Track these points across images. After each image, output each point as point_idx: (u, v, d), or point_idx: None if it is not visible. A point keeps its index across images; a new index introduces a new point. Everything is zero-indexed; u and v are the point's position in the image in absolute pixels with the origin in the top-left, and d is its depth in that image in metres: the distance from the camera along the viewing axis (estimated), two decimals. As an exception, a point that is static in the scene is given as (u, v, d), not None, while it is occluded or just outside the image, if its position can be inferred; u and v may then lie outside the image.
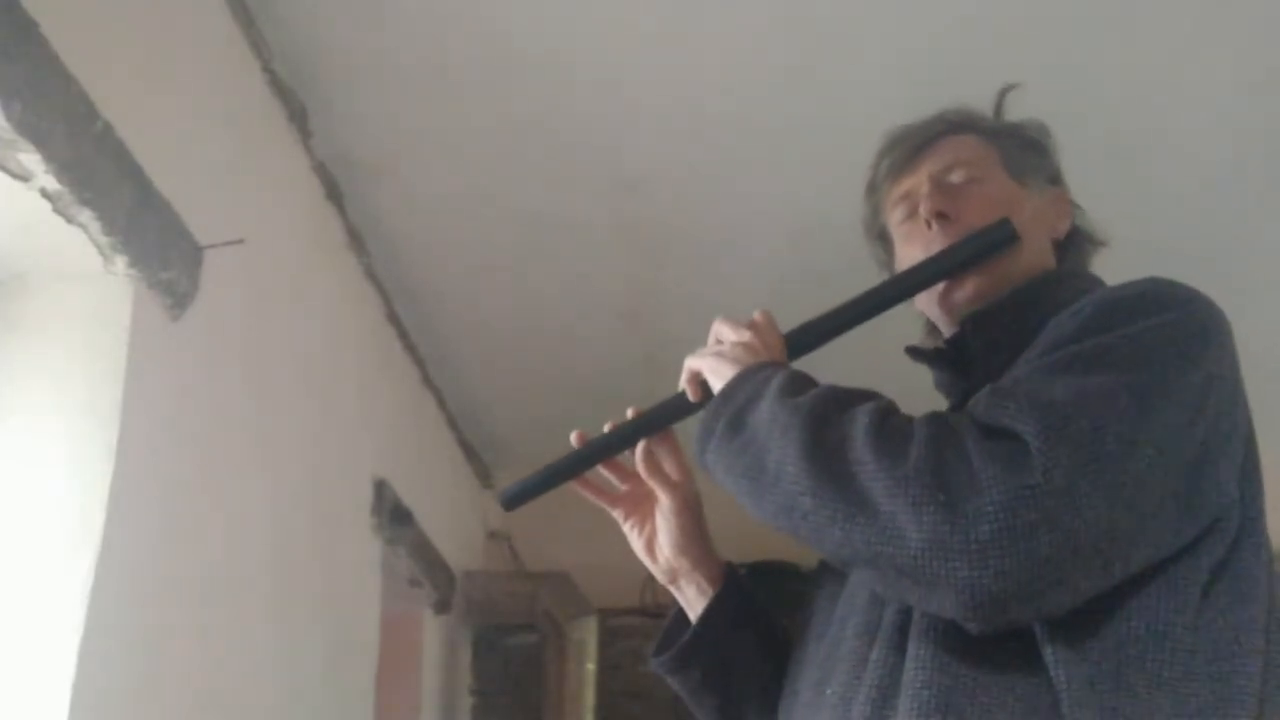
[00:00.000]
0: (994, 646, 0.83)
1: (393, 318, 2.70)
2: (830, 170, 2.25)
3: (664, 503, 1.11)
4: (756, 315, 1.06)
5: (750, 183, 2.33)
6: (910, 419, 0.87)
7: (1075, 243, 1.15)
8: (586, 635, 3.43)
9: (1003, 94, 1.19)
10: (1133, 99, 2.09)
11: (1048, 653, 0.81)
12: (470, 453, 3.50)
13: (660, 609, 3.37)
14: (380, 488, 2.50)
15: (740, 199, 2.39)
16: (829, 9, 1.90)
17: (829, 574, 1.05)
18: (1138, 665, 0.80)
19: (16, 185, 1.29)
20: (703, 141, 2.21)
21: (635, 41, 1.97)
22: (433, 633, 3.03)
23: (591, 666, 3.39)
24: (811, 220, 2.41)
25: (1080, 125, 2.10)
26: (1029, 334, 0.95)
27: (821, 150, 2.21)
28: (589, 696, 3.35)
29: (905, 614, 0.88)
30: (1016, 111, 1.20)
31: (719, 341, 1.05)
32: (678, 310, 2.76)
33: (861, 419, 0.86)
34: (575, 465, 1.10)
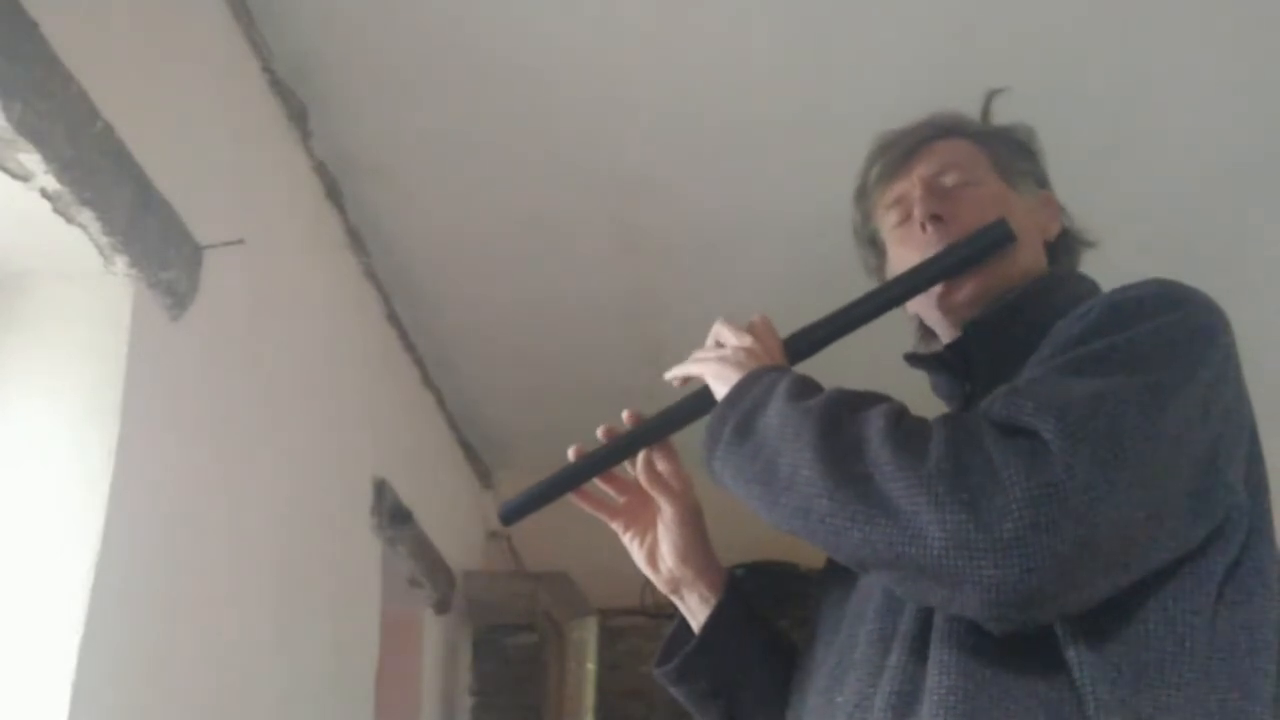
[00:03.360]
0: (1017, 651, 0.82)
1: (393, 318, 2.70)
2: (831, 169, 2.24)
3: (666, 512, 1.11)
4: (755, 319, 1.06)
5: (751, 183, 2.33)
6: (924, 420, 0.87)
7: (1065, 244, 1.16)
8: (586, 635, 3.43)
9: (989, 98, 1.20)
10: (1131, 97, 2.09)
11: (1070, 656, 0.82)
12: (470, 453, 3.50)
13: (660, 609, 3.38)
14: (380, 488, 2.50)
15: (740, 199, 2.39)
16: (830, 8, 1.90)
17: (834, 579, 1.05)
18: (1158, 667, 0.80)
19: (16, 185, 1.29)
20: (703, 141, 2.21)
21: (635, 42, 1.97)
22: (433, 633, 3.04)
23: (591, 666, 3.39)
24: (812, 220, 2.41)
25: (1078, 124, 2.11)
26: (1032, 338, 0.95)
27: (823, 150, 2.20)
28: (589, 696, 3.36)
29: (925, 620, 0.88)
30: (1014, 111, 1.20)
31: (719, 344, 1.05)
32: (678, 310, 2.76)
33: (876, 421, 0.85)
34: (574, 478, 1.10)
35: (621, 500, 1.14)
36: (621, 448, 1.09)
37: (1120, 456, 0.78)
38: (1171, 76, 2.04)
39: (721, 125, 2.16)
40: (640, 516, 1.14)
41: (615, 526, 1.15)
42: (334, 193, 2.27)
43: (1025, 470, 0.77)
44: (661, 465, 1.10)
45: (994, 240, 1.05)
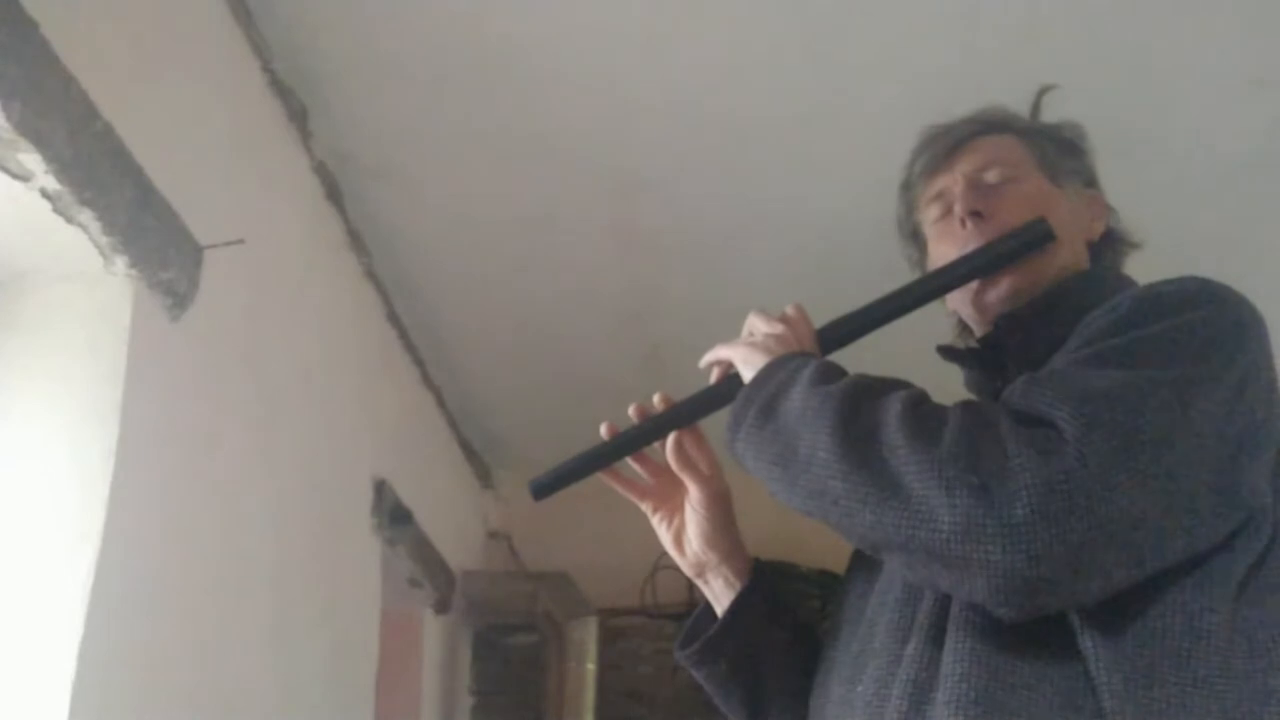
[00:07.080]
0: (1032, 640, 0.83)
1: (393, 318, 2.70)
2: (832, 170, 2.26)
3: (694, 495, 1.11)
4: (789, 309, 1.07)
5: (751, 183, 2.33)
6: (942, 406, 0.87)
7: (1109, 244, 1.15)
8: (586, 635, 3.42)
9: (1040, 95, 1.20)
10: (1141, 95, 2.09)
11: (1085, 646, 0.82)
12: (470, 453, 3.50)
13: (660, 610, 3.38)
14: (380, 488, 2.50)
15: (741, 199, 2.39)
16: (831, 7, 1.90)
17: (859, 573, 1.06)
18: (1174, 662, 0.80)
19: (16, 185, 1.29)
20: (703, 141, 2.21)
21: (635, 42, 1.97)
22: (433, 633, 3.03)
23: (591, 666, 3.38)
24: (813, 220, 2.41)
25: (1088, 122, 2.10)
26: (1063, 333, 0.96)
27: (823, 150, 2.21)
28: (589, 696, 3.35)
29: (942, 610, 0.88)
30: (1024, 108, 1.19)
31: (751, 333, 1.06)
32: (678, 310, 2.76)
33: (894, 405, 0.86)
34: (606, 456, 1.10)
35: (651, 481, 1.15)
36: (652, 429, 1.10)
37: (1136, 449, 0.78)
38: (1179, 72, 2.03)
39: (722, 125, 2.16)
40: (669, 498, 1.14)
41: (644, 507, 1.16)
42: (334, 193, 2.27)
43: (1037, 457, 0.78)
44: (691, 449, 1.11)
45: (1033, 238, 1.05)
